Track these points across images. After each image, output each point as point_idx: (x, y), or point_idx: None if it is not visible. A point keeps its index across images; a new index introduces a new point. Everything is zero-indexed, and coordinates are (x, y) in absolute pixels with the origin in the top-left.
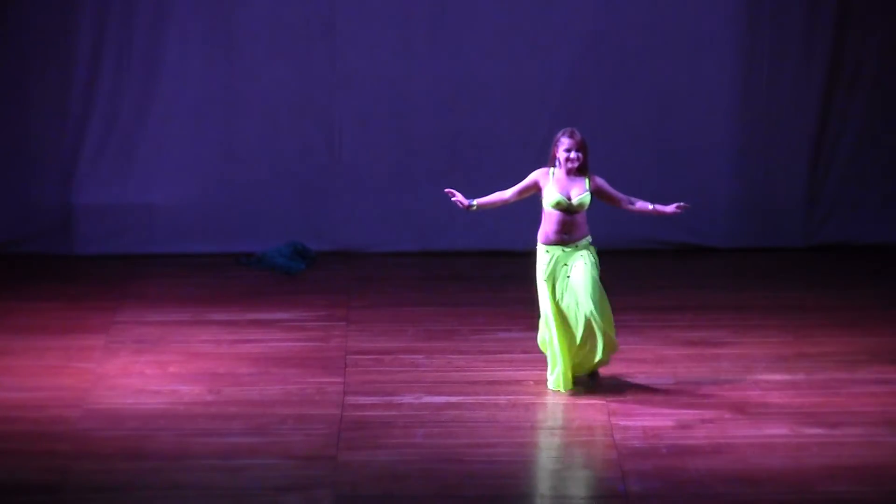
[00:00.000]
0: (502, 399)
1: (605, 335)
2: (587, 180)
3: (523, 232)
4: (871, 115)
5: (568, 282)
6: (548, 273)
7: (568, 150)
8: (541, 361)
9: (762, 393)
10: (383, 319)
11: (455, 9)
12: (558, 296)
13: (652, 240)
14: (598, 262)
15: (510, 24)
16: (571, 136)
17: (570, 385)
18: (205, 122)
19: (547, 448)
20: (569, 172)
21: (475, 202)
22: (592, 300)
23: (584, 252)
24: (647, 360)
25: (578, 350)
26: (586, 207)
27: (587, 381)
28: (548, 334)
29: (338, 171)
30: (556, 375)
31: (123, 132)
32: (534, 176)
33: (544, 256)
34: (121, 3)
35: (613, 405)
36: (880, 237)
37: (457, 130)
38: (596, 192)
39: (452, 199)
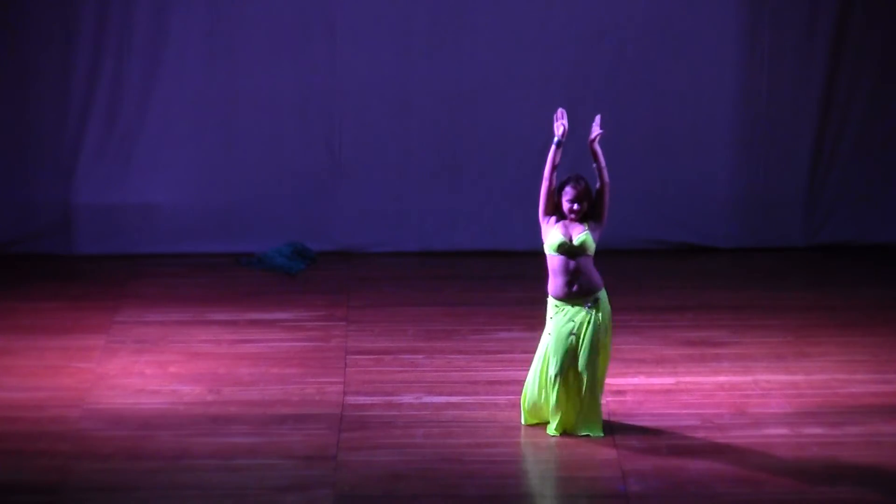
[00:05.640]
0: (502, 399)
1: (591, 400)
2: (585, 224)
3: (523, 232)
4: (872, 114)
5: (581, 340)
6: (557, 328)
7: (571, 202)
8: None
9: (762, 393)
10: (383, 319)
11: (455, 9)
12: (569, 350)
13: (652, 240)
14: (608, 321)
15: (510, 24)
16: (576, 184)
17: (561, 427)
18: (205, 122)
19: (547, 448)
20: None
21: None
22: (589, 363)
23: (594, 311)
24: (647, 360)
25: (576, 407)
26: (590, 250)
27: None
28: (541, 386)
29: (338, 171)
30: (555, 421)
31: (123, 132)
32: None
33: (553, 310)
34: (121, 2)
35: (613, 405)
36: (881, 237)
37: (457, 131)
38: (596, 199)
39: (558, 121)
